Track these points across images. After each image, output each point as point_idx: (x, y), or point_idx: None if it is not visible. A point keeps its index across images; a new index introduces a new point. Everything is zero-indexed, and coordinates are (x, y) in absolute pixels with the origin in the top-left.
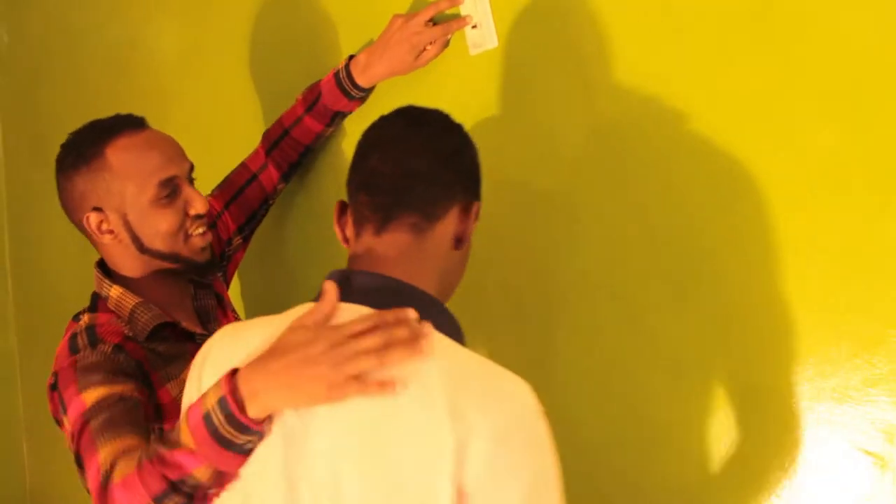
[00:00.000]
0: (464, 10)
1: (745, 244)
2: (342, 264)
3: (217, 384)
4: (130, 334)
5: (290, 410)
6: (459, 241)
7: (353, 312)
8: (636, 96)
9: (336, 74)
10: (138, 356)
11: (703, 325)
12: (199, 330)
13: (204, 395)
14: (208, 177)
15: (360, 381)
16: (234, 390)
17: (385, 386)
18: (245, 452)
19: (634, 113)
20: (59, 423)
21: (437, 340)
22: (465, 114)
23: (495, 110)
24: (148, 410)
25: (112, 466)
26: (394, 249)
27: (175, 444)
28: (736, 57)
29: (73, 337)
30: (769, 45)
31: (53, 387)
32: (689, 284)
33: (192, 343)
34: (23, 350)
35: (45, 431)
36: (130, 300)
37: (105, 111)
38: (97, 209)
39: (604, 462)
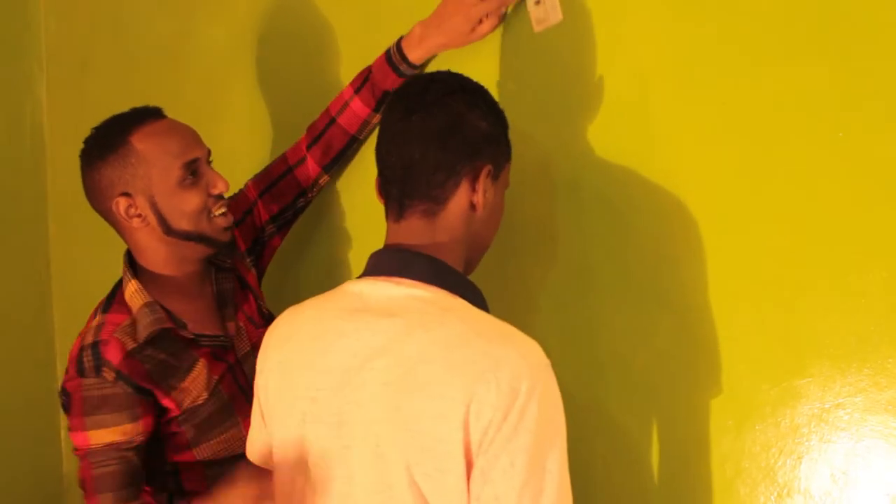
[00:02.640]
0: None
1: (814, 251)
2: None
3: None
4: (131, 347)
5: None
6: (475, 206)
7: (378, 285)
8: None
9: (387, 52)
10: (140, 374)
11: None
12: (204, 331)
13: None
14: (260, 165)
15: None
16: None
17: None
18: None
19: None
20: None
21: (457, 304)
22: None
23: (552, 113)
24: (152, 425)
25: None
26: (413, 235)
27: None
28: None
29: (81, 352)
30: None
31: (64, 401)
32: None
33: (195, 347)
34: (61, 335)
35: None
36: (141, 298)
37: (153, 102)
38: (125, 194)
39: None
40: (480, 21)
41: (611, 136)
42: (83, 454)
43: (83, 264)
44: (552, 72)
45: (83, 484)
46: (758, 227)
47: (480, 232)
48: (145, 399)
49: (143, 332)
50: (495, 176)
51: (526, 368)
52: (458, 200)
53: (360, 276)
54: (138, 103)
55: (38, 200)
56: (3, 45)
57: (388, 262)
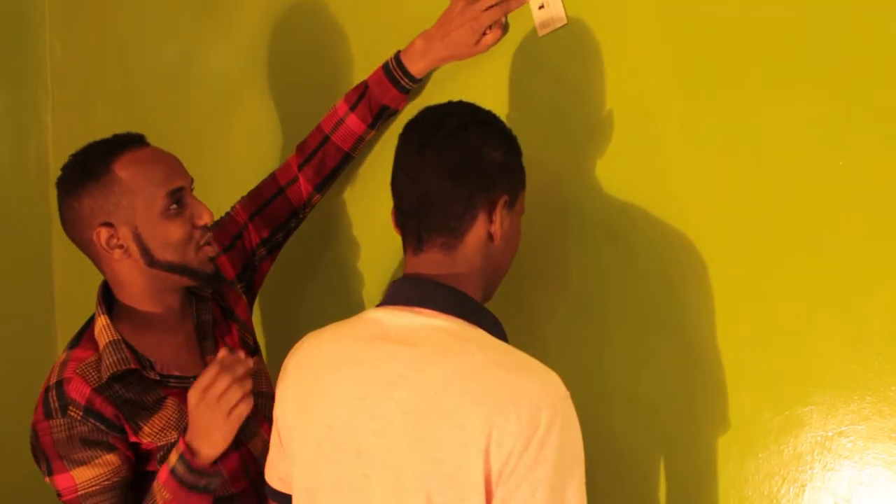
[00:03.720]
0: None
1: (816, 279)
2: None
3: (177, 445)
4: (95, 384)
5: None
6: (493, 236)
7: (397, 314)
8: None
9: (385, 66)
10: (108, 411)
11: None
12: (175, 370)
13: (169, 456)
14: None
15: (233, 414)
16: (185, 449)
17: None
18: (209, 492)
19: None
20: (38, 465)
21: (476, 335)
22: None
23: (558, 139)
24: (131, 460)
25: None
26: (432, 267)
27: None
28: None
29: (47, 393)
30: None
31: (33, 444)
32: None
33: (163, 387)
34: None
35: None
36: (108, 335)
37: (158, 128)
38: (107, 224)
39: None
40: (485, 32)
41: (616, 161)
42: (74, 499)
43: (87, 289)
44: (556, 93)
45: None
46: (761, 254)
47: (498, 260)
48: (116, 433)
49: (106, 371)
50: (511, 205)
51: (546, 399)
52: (476, 232)
53: (379, 305)
54: (143, 129)
55: (42, 225)
56: (9, 70)
57: (407, 292)
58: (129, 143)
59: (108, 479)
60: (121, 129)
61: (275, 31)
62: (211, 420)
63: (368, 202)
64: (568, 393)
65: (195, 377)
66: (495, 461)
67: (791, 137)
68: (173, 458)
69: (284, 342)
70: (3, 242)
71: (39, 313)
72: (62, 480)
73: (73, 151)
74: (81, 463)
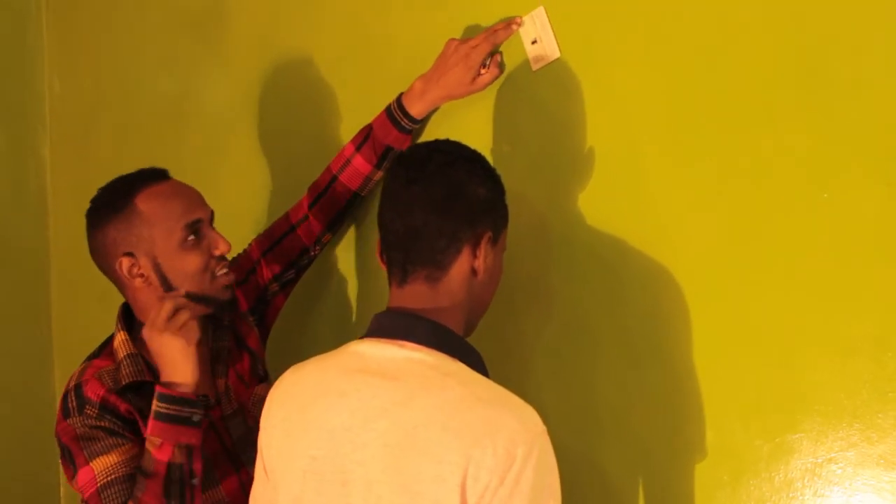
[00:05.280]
0: (522, 29)
1: (804, 309)
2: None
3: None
4: (112, 387)
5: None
6: (476, 271)
7: (380, 347)
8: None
9: (387, 108)
10: (122, 407)
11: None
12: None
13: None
14: (261, 226)
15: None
16: (162, 385)
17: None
18: (196, 425)
19: None
20: (66, 471)
21: (457, 369)
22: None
23: (546, 172)
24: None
25: None
26: (415, 300)
27: (149, 455)
28: None
29: (66, 396)
30: None
31: (61, 451)
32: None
33: None
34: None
35: None
36: (126, 349)
37: (155, 161)
38: (128, 254)
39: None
40: (480, 72)
41: (603, 195)
42: (94, 492)
43: (85, 324)
44: (546, 128)
45: None
46: (749, 284)
47: (481, 295)
48: (130, 430)
49: (123, 380)
50: (494, 240)
51: (523, 434)
52: (460, 266)
53: (362, 337)
54: (141, 163)
55: (41, 260)
56: (7, 104)
57: (391, 325)
58: (151, 177)
59: (125, 467)
60: (118, 163)
61: (270, 65)
62: (165, 343)
63: (359, 234)
64: (545, 428)
65: (205, 396)
66: (472, 495)
67: (776, 169)
68: (154, 404)
69: (274, 373)
70: (2, 276)
71: (37, 344)
72: (83, 475)
73: (70, 186)
74: (100, 453)
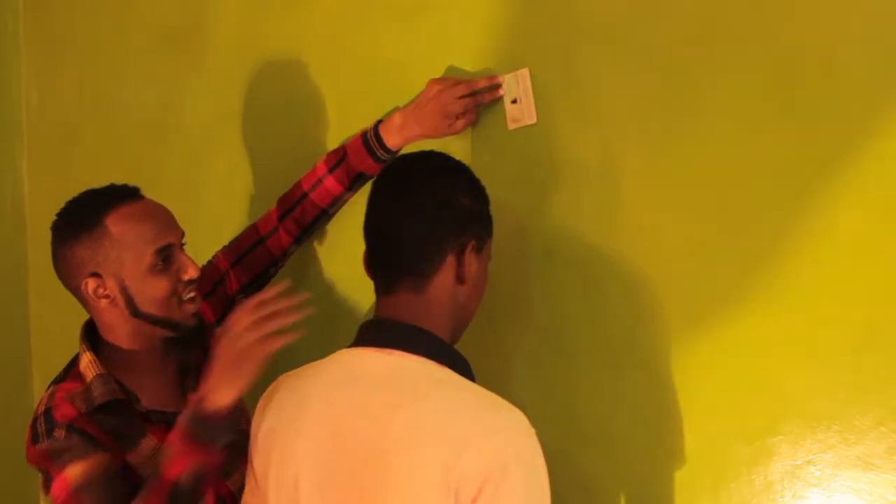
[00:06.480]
0: (505, 85)
1: (782, 313)
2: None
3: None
4: (84, 411)
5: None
6: (461, 279)
7: (369, 355)
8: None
9: (364, 135)
10: (92, 429)
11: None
12: (158, 405)
13: (180, 416)
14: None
15: (263, 343)
16: (199, 400)
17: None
18: (216, 448)
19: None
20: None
21: (445, 375)
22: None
23: (525, 185)
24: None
25: None
26: (402, 308)
27: (156, 469)
28: None
29: (35, 421)
30: None
31: (42, 473)
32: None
33: (147, 422)
34: None
35: None
36: (94, 369)
37: (136, 175)
38: (95, 275)
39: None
40: (457, 117)
41: (583, 204)
42: (67, 496)
43: (64, 339)
44: (526, 142)
45: None
46: (727, 291)
47: (466, 304)
48: (101, 449)
49: (95, 401)
50: (479, 249)
51: (513, 436)
52: (445, 275)
53: (350, 346)
54: (121, 176)
55: (18, 274)
56: None
57: (378, 334)
58: (123, 196)
59: (98, 471)
60: (97, 177)
61: (250, 77)
62: (230, 356)
63: (344, 245)
64: (533, 430)
65: (177, 413)
66: (463, 498)
67: (754, 177)
68: (185, 415)
69: (261, 382)
70: None
71: (16, 362)
72: (57, 484)
73: (48, 199)
74: (72, 461)
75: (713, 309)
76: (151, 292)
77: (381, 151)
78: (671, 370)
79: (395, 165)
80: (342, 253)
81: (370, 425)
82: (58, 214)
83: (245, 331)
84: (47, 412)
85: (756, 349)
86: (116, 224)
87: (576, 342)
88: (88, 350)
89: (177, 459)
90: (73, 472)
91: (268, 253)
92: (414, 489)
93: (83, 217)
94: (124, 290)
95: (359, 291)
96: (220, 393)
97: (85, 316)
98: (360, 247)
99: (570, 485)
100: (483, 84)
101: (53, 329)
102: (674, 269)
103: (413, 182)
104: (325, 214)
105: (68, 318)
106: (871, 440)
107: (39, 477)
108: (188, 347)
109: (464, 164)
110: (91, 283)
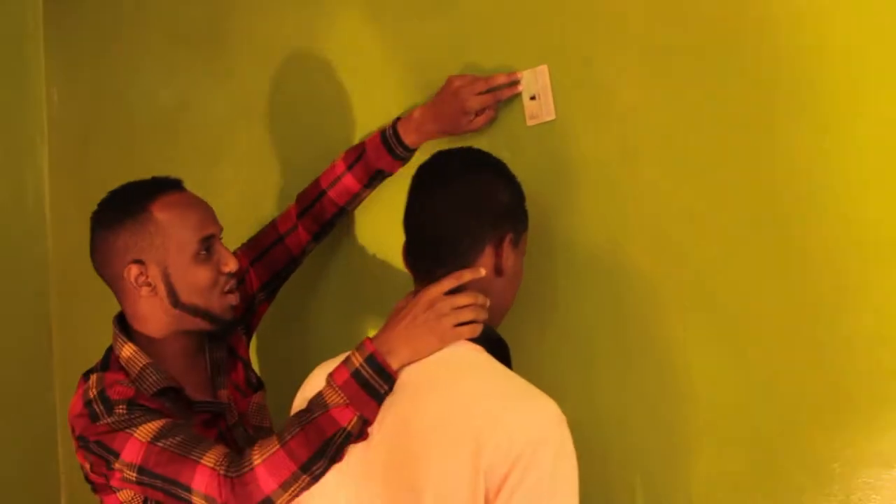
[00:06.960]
0: (524, 81)
1: (794, 310)
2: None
3: (357, 349)
4: (140, 391)
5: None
6: (499, 271)
7: None
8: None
9: (382, 132)
10: (155, 405)
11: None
12: (199, 397)
13: (346, 360)
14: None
15: (456, 329)
16: (377, 350)
17: (475, 329)
18: (381, 400)
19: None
20: (100, 475)
21: (482, 360)
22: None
23: (544, 181)
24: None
25: (229, 460)
26: None
27: (324, 407)
28: None
29: (89, 403)
30: None
31: (85, 446)
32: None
33: (191, 412)
34: (63, 404)
35: None
36: (141, 360)
37: (153, 172)
38: (138, 261)
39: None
40: (476, 114)
41: (601, 200)
42: (144, 455)
43: (85, 335)
44: (546, 138)
45: (159, 478)
46: (745, 288)
47: (502, 294)
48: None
49: (150, 388)
50: (515, 242)
51: (544, 422)
52: (483, 265)
53: None
54: (139, 173)
55: (39, 271)
56: (5, 115)
57: None
58: (167, 186)
59: (170, 423)
60: (117, 175)
61: (270, 76)
62: (426, 325)
63: (369, 238)
64: (564, 418)
65: (217, 403)
66: (492, 483)
67: (769, 176)
68: (356, 360)
69: (280, 378)
70: (2, 286)
71: (37, 355)
72: (130, 449)
73: (68, 197)
74: (139, 425)
75: (731, 306)
76: (194, 281)
77: (400, 149)
78: (688, 367)
79: (435, 160)
80: (350, 247)
81: (407, 411)
82: (100, 204)
83: (451, 310)
84: (101, 393)
85: (773, 345)
86: (162, 211)
87: (594, 340)
88: (129, 342)
89: (347, 407)
90: (144, 430)
91: (287, 251)
92: (445, 469)
93: (128, 205)
94: (166, 278)
95: (379, 286)
96: (399, 353)
97: (107, 311)
98: (379, 241)
99: (586, 479)
100: (502, 80)
101: (74, 324)
102: (692, 267)
103: (453, 176)
104: (343, 212)
105: (89, 313)
106: (892, 436)
107: (77, 474)
108: (217, 345)
109: (500, 161)
110: (134, 270)
